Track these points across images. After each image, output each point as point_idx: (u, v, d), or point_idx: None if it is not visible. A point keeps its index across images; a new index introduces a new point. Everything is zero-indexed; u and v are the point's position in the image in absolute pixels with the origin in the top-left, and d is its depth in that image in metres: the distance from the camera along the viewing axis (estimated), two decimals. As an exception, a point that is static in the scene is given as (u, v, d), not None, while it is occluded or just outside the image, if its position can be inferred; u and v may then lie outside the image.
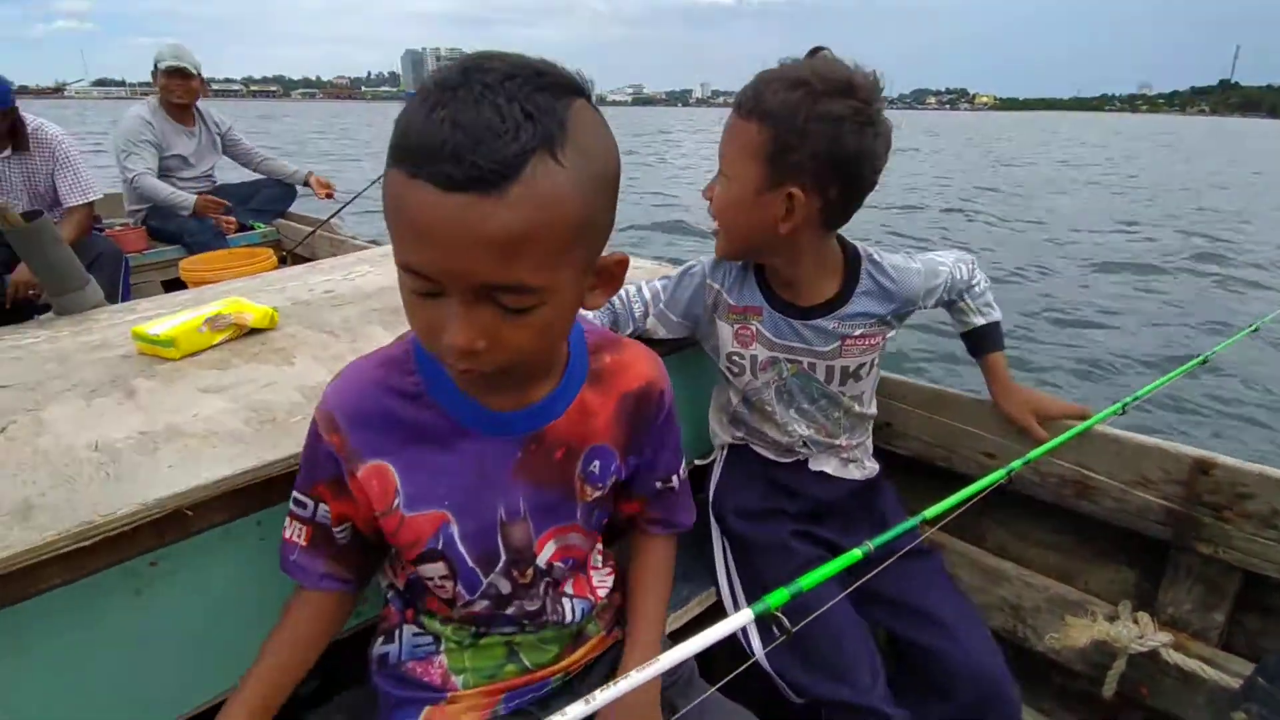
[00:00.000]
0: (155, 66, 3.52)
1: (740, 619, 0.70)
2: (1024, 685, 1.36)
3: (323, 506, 0.77)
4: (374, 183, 2.56)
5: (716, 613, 1.29)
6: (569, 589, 0.89)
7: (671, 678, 0.93)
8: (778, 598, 0.74)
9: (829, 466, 1.24)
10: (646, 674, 0.68)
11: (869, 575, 0.96)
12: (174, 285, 3.17)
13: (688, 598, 1.26)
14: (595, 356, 0.80)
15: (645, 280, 1.24)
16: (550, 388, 0.76)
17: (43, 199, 2.89)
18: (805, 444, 1.23)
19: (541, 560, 0.82)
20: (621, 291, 1.19)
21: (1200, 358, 1.43)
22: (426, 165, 0.51)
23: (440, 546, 0.77)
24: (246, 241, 3.45)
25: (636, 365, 0.83)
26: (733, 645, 1.18)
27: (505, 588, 0.81)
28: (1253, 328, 1.66)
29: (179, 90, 3.55)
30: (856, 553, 0.80)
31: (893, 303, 1.16)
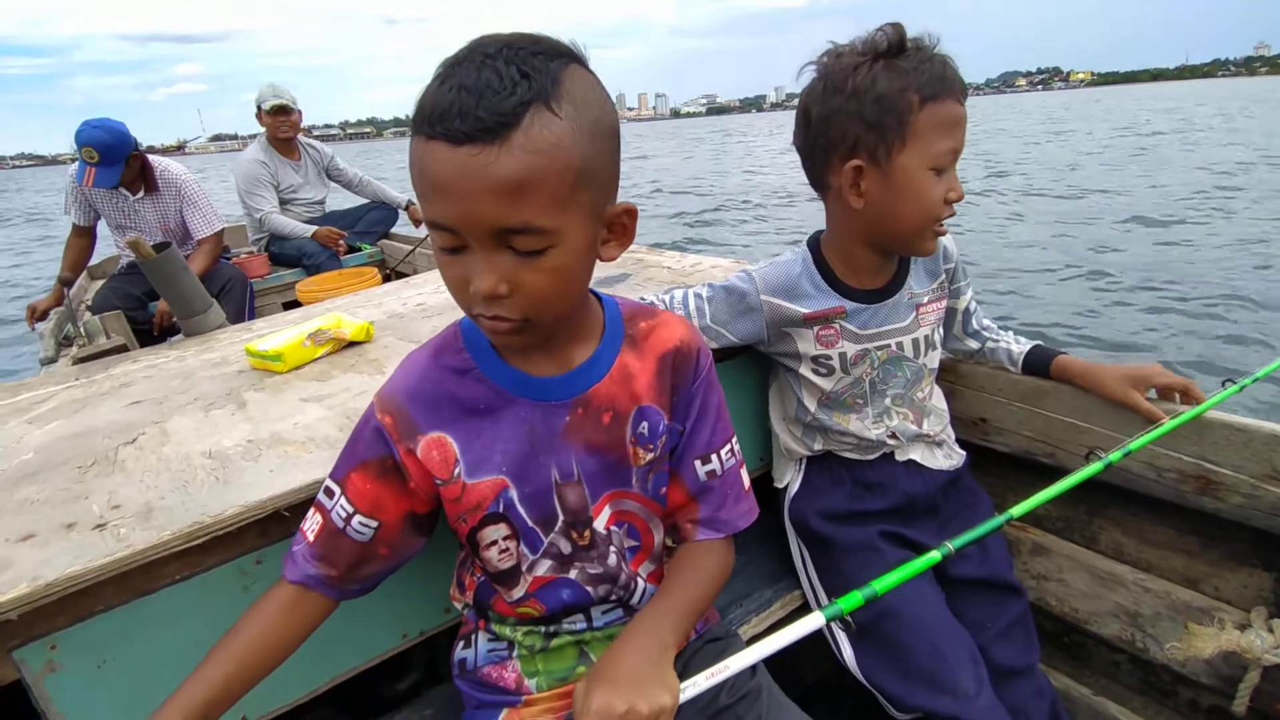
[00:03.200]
0: (258, 108, 3.81)
1: (808, 624, 0.69)
2: (1143, 699, 1.27)
3: (343, 499, 0.78)
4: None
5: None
6: (642, 572, 0.90)
7: (740, 691, 0.90)
8: (851, 601, 0.71)
9: (917, 454, 1.20)
10: (716, 679, 0.68)
11: (955, 573, 0.93)
12: (293, 305, 3.41)
13: (771, 600, 1.24)
14: (630, 323, 0.83)
15: (692, 289, 1.20)
16: (589, 353, 0.79)
17: (173, 234, 3.18)
18: (894, 435, 1.18)
19: (600, 524, 0.84)
20: (666, 296, 1.19)
21: None
22: (439, 125, 0.58)
23: (501, 509, 0.80)
24: (355, 262, 3.66)
25: (670, 326, 0.86)
26: (826, 657, 1.15)
27: (565, 547, 0.84)
28: None
29: (283, 125, 3.84)
30: (935, 554, 0.77)
31: (938, 256, 1.19)
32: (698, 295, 1.19)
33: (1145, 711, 1.26)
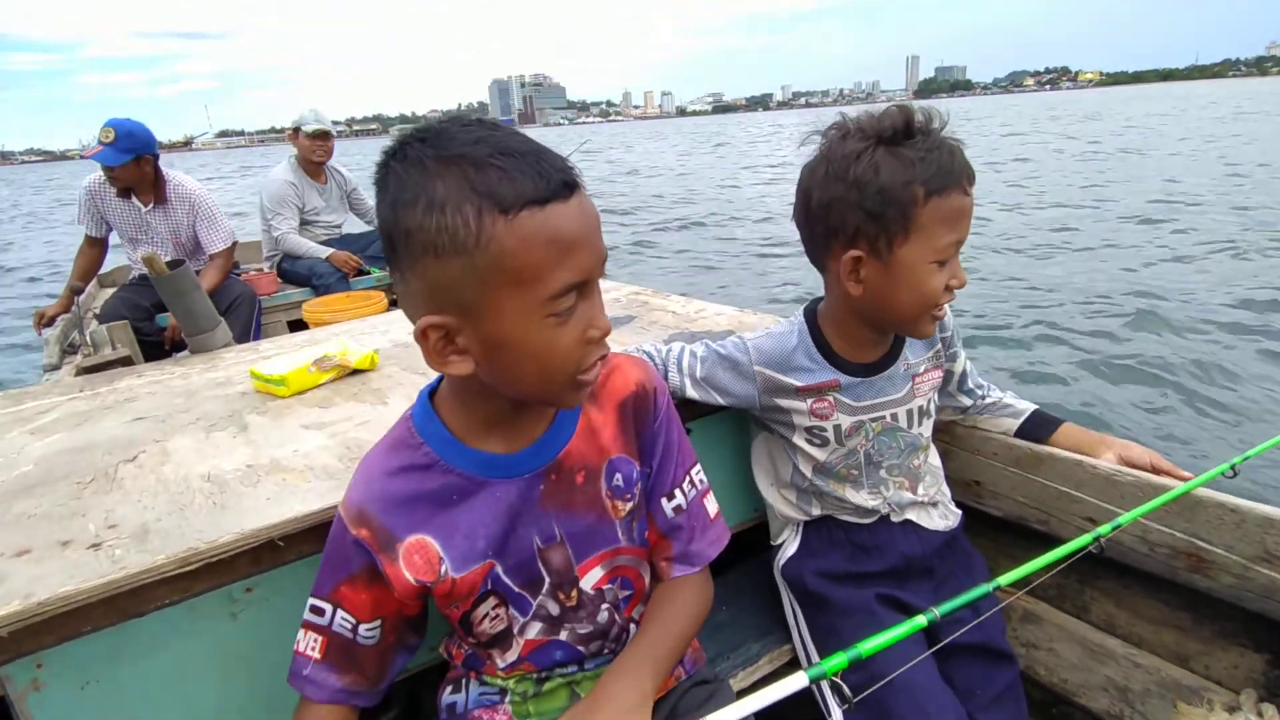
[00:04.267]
0: (296, 129, 3.87)
1: (793, 683, 0.68)
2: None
3: (341, 613, 0.78)
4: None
5: (790, 672, 1.25)
6: (635, 615, 0.90)
7: None
8: (835, 664, 0.71)
9: (912, 515, 1.20)
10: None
11: (951, 637, 0.92)
12: (298, 325, 3.43)
13: (759, 654, 1.23)
14: None
15: (689, 347, 1.20)
16: (550, 418, 0.80)
17: (184, 248, 3.22)
18: (889, 504, 1.18)
19: (588, 584, 0.84)
20: (665, 348, 1.20)
21: None
22: (544, 187, 0.62)
23: (490, 587, 0.81)
24: (363, 286, 3.69)
25: (626, 372, 0.86)
26: (816, 717, 1.14)
27: (554, 609, 0.84)
28: None
29: (321, 150, 3.92)
30: (922, 619, 0.77)
31: (937, 330, 1.17)
32: (693, 354, 1.19)
33: None
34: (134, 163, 2.97)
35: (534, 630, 0.84)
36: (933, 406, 1.22)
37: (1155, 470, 1.17)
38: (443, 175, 0.61)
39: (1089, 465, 1.19)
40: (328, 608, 0.79)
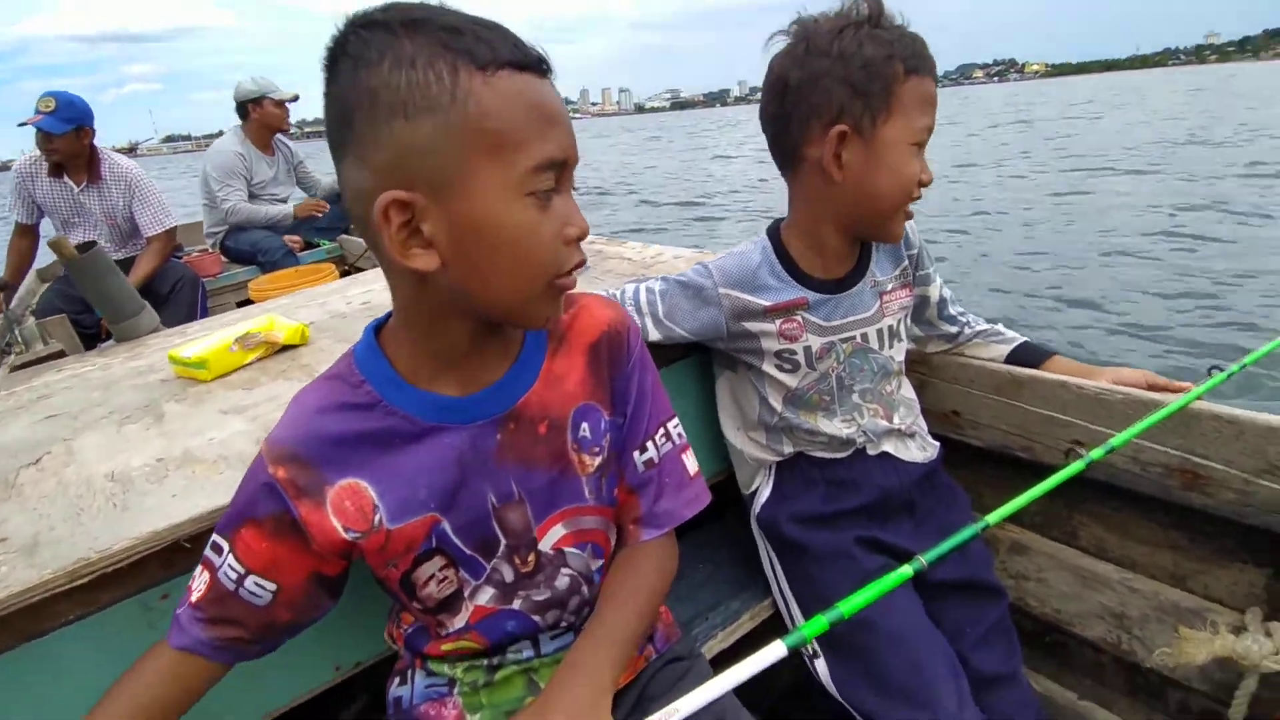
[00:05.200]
0: (259, 98, 3.64)
1: (770, 654, 0.61)
2: (1129, 701, 1.21)
3: (232, 559, 0.67)
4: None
5: (774, 629, 1.19)
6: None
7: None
8: (814, 627, 0.64)
9: (889, 446, 1.13)
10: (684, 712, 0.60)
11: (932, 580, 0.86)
12: (247, 304, 3.28)
13: (739, 611, 1.16)
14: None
15: (645, 283, 1.13)
16: (510, 360, 0.72)
17: (120, 229, 3.04)
18: (864, 432, 1.11)
19: (547, 545, 0.76)
20: (617, 291, 1.12)
21: None
22: (522, 56, 0.57)
23: (435, 544, 0.72)
24: (314, 259, 3.53)
25: (594, 313, 0.78)
26: (800, 664, 1.08)
27: (508, 575, 0.75)
28: None
29: (283, 119, 3.71)
30: (908, 569, 0.70)
31: (901, 247, 1.15)
32: (650, 290, 1.11)
33: (1132, 715, 1.20)
34: (74, 133, 2.82)
35: (485, 596, 0.76)
36: (903, 329, 1.16)
37: (1151, 388, 1.11)
38: (412, 36, 0.55)
39: (1074, 386, 1.12)
40: (224, 545, 0.68)
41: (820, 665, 1.04)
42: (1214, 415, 0.99)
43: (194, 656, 0.68)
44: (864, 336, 1.10)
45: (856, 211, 1.03)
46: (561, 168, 0.59)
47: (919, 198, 1.01)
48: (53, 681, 0.78)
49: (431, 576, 0.73)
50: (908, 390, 1.20)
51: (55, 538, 0.79)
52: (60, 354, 1.91)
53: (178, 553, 0.79)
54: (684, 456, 0.84)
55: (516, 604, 0.77)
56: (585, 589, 0.80)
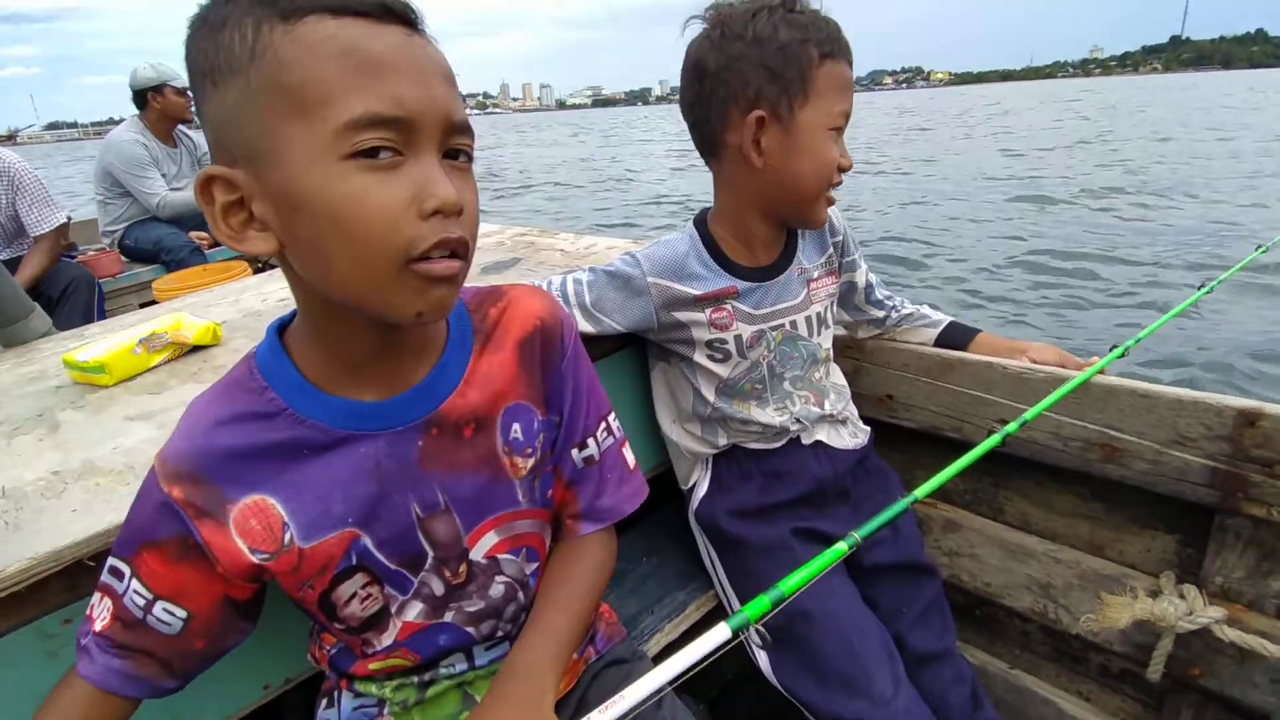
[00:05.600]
0: (159, 86, 3.39)
1: (713, 638, 0.60)
2: (1055, 667, 1.27)
3: (136, 583, 0.62)
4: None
5: (721, 618, 1.19)
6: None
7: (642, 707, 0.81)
8: (757, 607, 0.63)
9: (823, 435, 1.15)
10: (611, 712, 0.58)
11: (866, 560, 0.87)
12: (152, 305, 3.08)
13: (685, 602, 1.16)
14: (478, 315, 0.71)
15: (572, 275, 1.10)
16: (432, 360, 0.66)
17: (4, 229, 2.80)
18: (797, 420, 1.12)
19: (479, 554, 0.71)
20: (543, 283, 1.09)
21: (1205, 288, 1.36)
22: (340, 2, 0.50)
23: (355, 561, 0.66)
24: (223, 256, 3.35)
25: (524, 305, 0.73)
26: (741, 654, 1.08)
27: (438, 588, 0.71)
28: (1261, 249, 1.56)
29: (185, 108, 3.47)
30: (842, 547, 0.70)
31: (826, 234, 1.16)
32: (577, 281, 1.08)
33: (1059, 680, 1.26)
34: None
35: (414, 611, 0.71)
36: (830, 316, 1.17)
37: (1061, 363, 1.16)
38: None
39: (999, 366, 1.16)
40: (125, 569, 0.62)
41: (761, 656, 1.05)
42: (1130, 390, 1.03)
43: (108, 695, 0.62)
44: (793, 324, 1.10)
45: (778, 197, 1.02)
46: (401, 126, 0.50)
47: (839, 183, 1.02)
48: None
49: (354, 595, 0.68)
50: (837, 376, 1.21)
51: None
52: None
53: (83, 572, 0.72)
54: (624, 450, 0.82)
55: (448, 617, 0.73)
56: (521, 595, 0.76)
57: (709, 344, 1.08)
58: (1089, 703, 1.22)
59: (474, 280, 1.41)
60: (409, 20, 0.53)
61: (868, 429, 1.22)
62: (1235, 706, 1.02)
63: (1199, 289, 1.37)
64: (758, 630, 0.63)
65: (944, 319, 1.28)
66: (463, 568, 0.71)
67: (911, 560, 1.13)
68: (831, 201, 1.04)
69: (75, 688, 0.63)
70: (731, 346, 1.08)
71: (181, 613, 0.63)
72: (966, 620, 1.32)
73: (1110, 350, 1.15)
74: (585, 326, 1.06)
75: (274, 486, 0.62)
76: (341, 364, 0.62)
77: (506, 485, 0.71)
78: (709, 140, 1.04)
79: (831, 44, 0.95)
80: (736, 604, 1.12)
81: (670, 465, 1.27)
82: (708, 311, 1.06)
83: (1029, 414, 0.96)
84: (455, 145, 0.55)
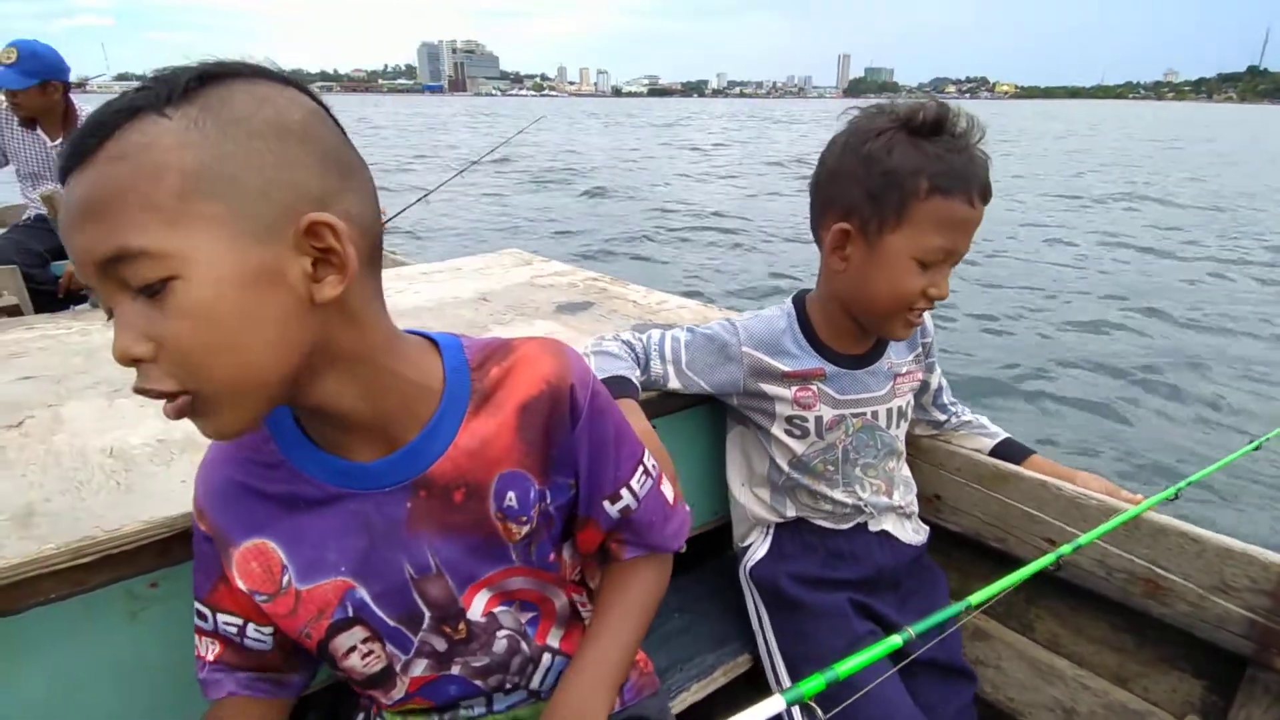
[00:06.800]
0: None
1: (767, 709, 0.62)
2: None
3: (223, 616, 0.69)
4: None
5: (747, 684, 1.20)
6: (551, 641, 0.79)
7: None
8: (813, 685, 0.66)
9: (889, 525, 1.17)
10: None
11: (915, 654, 0.89)
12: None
13: (714, 666, 1.17)
14: (479, 373, 0.68)
15: (671, 331, 1.15)
16: (422, 422, 0.65)
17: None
18: (866, 506, 1.15)
19: (476, 613, 0.72)
20: (644, 336, 1.13)
21: (1256, 442, 1.37)
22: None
23: (351, 613, 0.68)
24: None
25: (532, 366, 0.69)
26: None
27: (440, 644, 0.73)
28: None
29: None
30: (897, 640, 0.73)
31: (919, 334, 1.19)
32: (675, 339, 1.13)
33: None
34: (39, 88, 2.65)
35: (420, 667, 0.73)
36: (910, 410, 1.21)
37: (1109, 495, 1.18)
38: None
39: (1053, 486, 1.18)
40: (207, 612, 0.70)
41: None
42: (1180, 532, 1.06)
43: (242, 699, 0.70)
44: (874, 414, 1.14)
45: (856, 305, 1.07)
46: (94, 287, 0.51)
47: (926, 308, 1.04)
48: (23, 662, 0.74)
49: (353, 649, 0.70)
50: (906, 470, 1.24)
51: (54, 510, 0.76)
52: (15, 309, 1.82)
53: (179, 540, 0.76)
54: (662, 488, 0.81)
55: (456, 669, 0.74)
56: (525, 645, 0.76)
57: (789, 419, 1.12)
58: None
59: (548, 318, 1.49)
60: (78, 162, 0.49)
61: (927, 528, 1.24)
62: None
63: (1255, 441, 1.39)
64: (809, 707, 0.66)
65: (1000, 433, 1.31)
66: (461, 625, 0.72)
67: (951, 662, 1.14)
68: (915, 323, 1.06)
69: (214, 710, 0.70)
70: (811, 425, 1.11)
71: (267, 629, 0.70)
72: (983, 732, 1.32)
73: (1165, 488, 1.16)
74: (675, 383, 1.11)
75: (273, 531, 0.66)
76: (327, 423, 0.63)
77: (500, 548, 0.70)
78: (813, 229, 1.09)
79: (951, 180, 0.94)
80: (781, 666, 1.13)
81: (720, 522, 1.29)
82: (793, 389, 1.10)
83: (1084, 539, 0.98)
84: (125, 279, 0.49)
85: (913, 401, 1.22)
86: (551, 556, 0.75)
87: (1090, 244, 9.18)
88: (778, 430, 1.13)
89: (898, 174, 0.95)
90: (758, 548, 1.20)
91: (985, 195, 0.98)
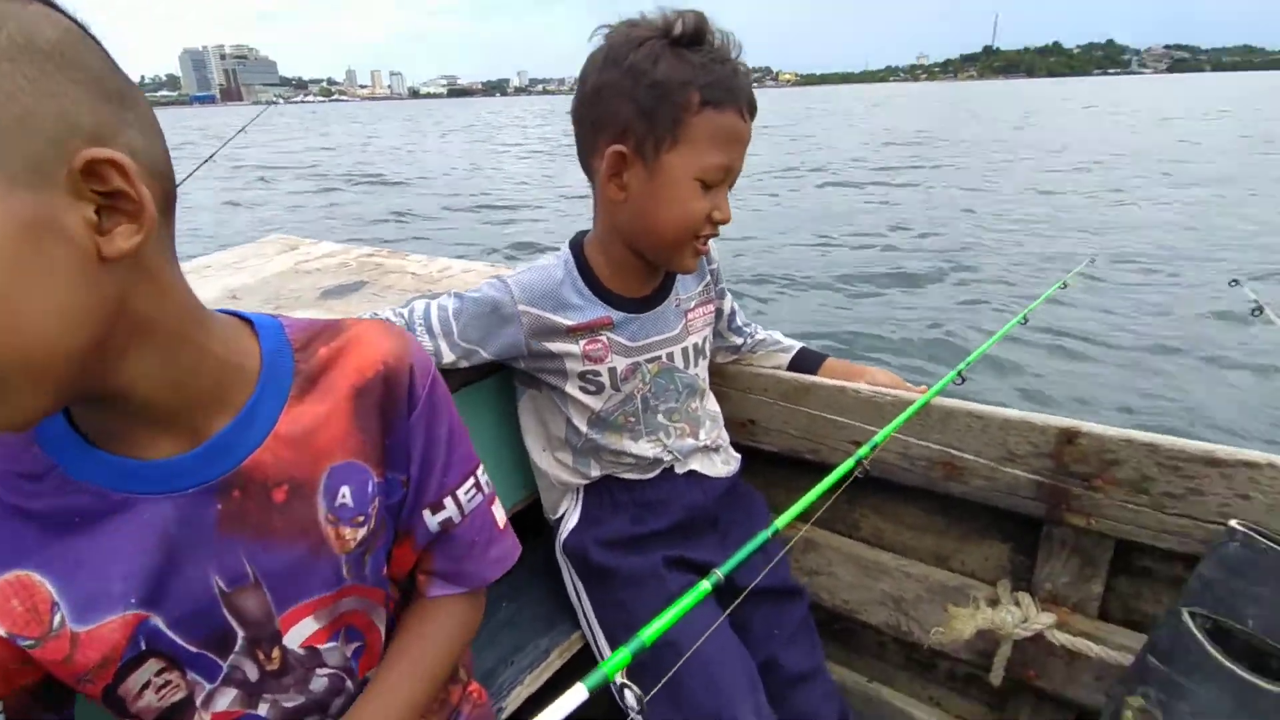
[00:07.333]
0: None
1: (572, 700, 0.55)
2: (907, 675, 1.32)
3: None
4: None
5: (587, 662, 1.14)
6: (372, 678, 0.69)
7: None
8: (617, 662, 0.59)
9: (696, 464, 1.13)
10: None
11: (740, 598, 0.86)
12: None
13: (548, 649, 1.10)
14: (304, 354, 0.60)
15: (436, 300, 1.03)
16: (234, 410, 0.56)
17: None
18: (671, 451, 1.10)
19: (293, 642, 0.61)
20: (405, 310, 1.01)
21: (1019, 316, 1.48)
22: None
23: (144, 647, 0.56)
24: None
25: (367, 345, 0.62)
26: (610, 704, 1.03)
27: (253, 672, 0.61)
28: (1060, 284, 1.74)
29: None
30: (706, 585, 0.68)
31: (704, 262, 1.14)
32: (442, 307, 1.01)
33: (911, 688, 1.31)
34: None
35: (225, 699, 0.61)
36: (707, 346, 1.16)
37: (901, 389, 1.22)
38: None
39: (851, 391, 1.19)
40: None
41: (629, 694, 1.01)
42: (966, 412, 1.09)
43: None
44: (669, 356, 1.08)
45: (641, 237, 0.99)
46: None
47: (712, 234, 0.99)
48: None
49: (146, 685, 0.58)
50: (712, 404, 1.21)
51: None
52: None
53: None
54: (494, 509, 0.73)
55: (263, 709, 0.63)
56: (350, 683, 0.67)
57: (581, 375, 1.04)
58: (939, 708, 1.27)
59: (309, 307, 1.30)
60: None
61: (738, 456, 1.22)
62: (1067, 704, 1.09)
63: (1019, 316, 1.49)
64: (620, 684, 0.59)
65: (794, 344, 1.31)
66: (276, 652, 0.61)
67: (780, 585, 1.14)
68: (702, 251, 1.01)
69: None
70: (605, 379, 1.04)
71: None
72: (827, 636, 1.35)
73: (947, 373, 1.21)
74: (450, 356, 0.99)
75: (40, 560, 0.52)
76: (117, 412, 0.51)
77: (329, 559, 0.61)
78: (582, 161, 1.00)
79: (721, 91, 0.89)
80: (603, 640, 1.08)
81: (534, 499, 1.21)
82: (581, 343, 1.02)
83: (878, 437, 0.99)
84: None
85: (710, 336, 1.18)
86: (385, 570, 0.67)
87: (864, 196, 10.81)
88: (572, 389, 1.05)
89: (666, 85, 0.88)
90: (569, 517, 1.12)
91: (752, 110, 0.94)
